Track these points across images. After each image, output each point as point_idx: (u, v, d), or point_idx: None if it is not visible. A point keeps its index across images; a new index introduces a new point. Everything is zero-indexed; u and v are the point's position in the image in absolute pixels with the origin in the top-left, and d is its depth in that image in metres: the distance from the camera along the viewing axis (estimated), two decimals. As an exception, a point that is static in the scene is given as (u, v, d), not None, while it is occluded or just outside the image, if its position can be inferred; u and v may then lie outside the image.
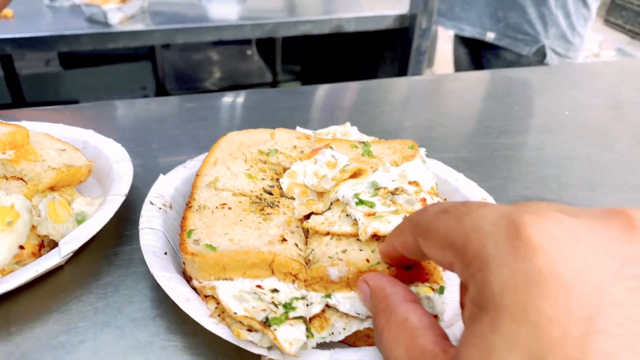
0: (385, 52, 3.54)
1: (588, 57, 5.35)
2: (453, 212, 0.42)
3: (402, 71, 3.33)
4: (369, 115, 1.30)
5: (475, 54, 2.48)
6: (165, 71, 4.23)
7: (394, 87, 1.51)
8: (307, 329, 0.59)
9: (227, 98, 1.37)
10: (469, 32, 2.33)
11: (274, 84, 4.23)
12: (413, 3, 3.04)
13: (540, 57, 2.17)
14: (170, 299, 0.69)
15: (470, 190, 0.84)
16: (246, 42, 4.68)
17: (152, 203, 0.76)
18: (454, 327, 0.62)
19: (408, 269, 0.62)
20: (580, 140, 1.17)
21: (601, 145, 1.16)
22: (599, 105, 1.36)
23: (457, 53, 2.59)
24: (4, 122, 0.87)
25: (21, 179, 0.77)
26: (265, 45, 4.43)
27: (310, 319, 0.62)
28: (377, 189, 0.73)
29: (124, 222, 0.86)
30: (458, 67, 2.73)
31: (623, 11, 6.53)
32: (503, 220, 0.37)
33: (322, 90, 1.44)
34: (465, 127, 1.24)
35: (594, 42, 5.80)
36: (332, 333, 0.62)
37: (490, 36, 2.25)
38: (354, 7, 3.06)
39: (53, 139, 0.90)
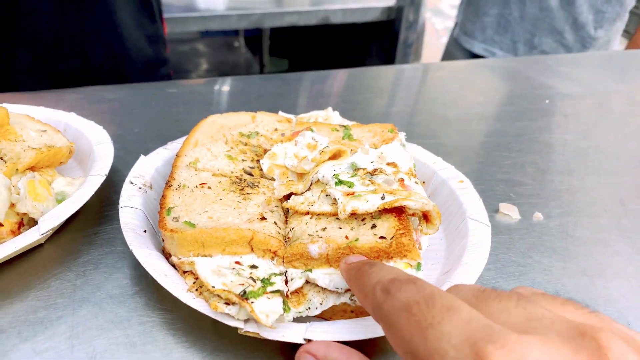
0: (372, 44, 3.55)
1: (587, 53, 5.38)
2: (418, 315, 0.41)
3: (388, 64, 3.34)
4: (352, 102, 1.31)
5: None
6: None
7: (379, 75, 1.52)
8: (284, 302, 0.61)
9: (211, 84, 1.37)
10: (501, 56, 2.18)
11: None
12: (400, -5, 3.05)
13: None
14: (149, 277, 0.70)
15: (447, 173, 0.86)
16: (233, 33, 4.66)
17: (132, 183, 0.77)
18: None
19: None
20: (558, 128, 1.19)
21: (578, 132, 1.18)
22: (579, 94, 1.39)
23: (454, 57, 2.47)
24: (-17, 102, 0.87)
25: (0, 158, 0.77)
26: (253, 38, 4.41)
27: (288, 294, 0.63)
28: (356, 169, 0.74)
29: (105, 203, 0.86)
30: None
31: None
32: (467, 348, 0.35)
33: (307, 77, 1.44)
34: (446, 114, 1.26)
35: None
36: (309, 308, 0.63)
37: (524, 57, 2.13)
38: (340, -1, 3.07)
39: (34, 120, 0.90)
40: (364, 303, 0.50)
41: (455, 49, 2.36)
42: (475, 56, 2.21)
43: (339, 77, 1.48)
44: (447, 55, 2.46)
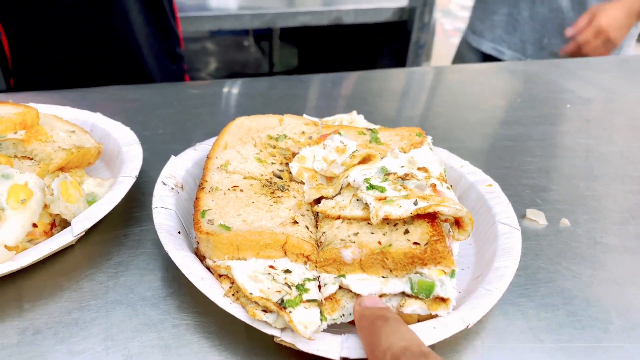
0: (383, 45, 3.55)
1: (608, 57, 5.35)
2: None
3: (400, 64, 3.33)
4: (370, 104, 1.31)
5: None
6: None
7: (395, 78, 1.52)
8: (320, 312, 0.61)
9: (231, 85, 1.38)
10: (509, 56, 2.16)
11: (270, 75, 4.21)
12: (412, -4, 3.05)
13: None
14: (181, 279, 0.71)
15: (475, 176, 0.86)
16: (243, 32, 4.66)
17: (164, 183, 0.77)
18: (462, 308, 0.63)
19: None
20: (580, 133, 1.19)
21: (601, 138, 1.17)
22: (600, 98, 1.38)
23: (465, 58, 2.46)
24: (14, 102, 0.87)
25: (32, 158, 0.77)
26: (263, 37, 4.41)
27: (322, 301, 0.63)
28: (387, 174, 0.74)
29: (133, 204, 0.86)
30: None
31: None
32: None
33: (323, 79, 1.44)
34: (467, 117, 1.25)
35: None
36: (343, 315, 0.64)
37: (544, 61, 2.12)
38: (352, -1, 3.06)
39: (62, 120, 0.91)
40: None
41: (466, 50, 2.35)
42: (485, 56, 2.20)
43: (355, 79, 1.48)
44: (458, 56, 2.44)
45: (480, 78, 1.52)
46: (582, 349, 0.66)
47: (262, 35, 4.46)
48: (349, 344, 0.58)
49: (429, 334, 0.59)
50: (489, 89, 1.43)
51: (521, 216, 0.89)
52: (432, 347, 0.63)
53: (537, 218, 0.88)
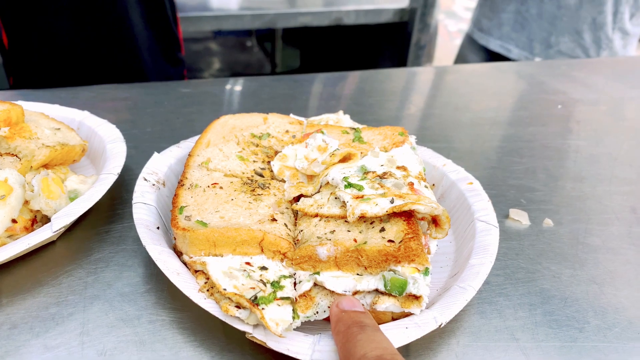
0: (384, 46, 3.55)
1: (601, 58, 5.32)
2: None
3: (400, 66, 3.33)
4: (364, 105, 1.31)
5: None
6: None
7: (390, 78, 1.52)
8: (293, 310, 0.61)
9: (223, 84, 1.38)
10: (516, 54, 2.15)
11: (272, 75, 4.21)
12: (413, -3, 3.05)
13: None
14: (160, 275, 0.71)
15: (457, 175, 0.86)
16: (246, 33, 4.68)
17: (145, 179, 0.77)
18: (435, 307, 0.63)
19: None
20: (570, 134, 1.19)
21: (591, 139, 1.17)
22: (592, 100, 1.38)
23: (466, 58, 2.45)
24: (-1, 100, 0.88)
25: (15, 155, 0.78)
26: (266, 38, 4.42)
27: (296, 298, 0.63)
28: (366, 172, 0.75)
29: (117, 201, 0.87)
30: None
31: None
32: None
33: (319, 79, 1.45)
34: (458, 118, 1.25)
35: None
36: (317, 312, 0.64)
37: (537, 60, 2.08)
38: (354, 0, 3.06)
39: (48, 118, 0.91)
40: None
41: (470, 49, 2.32)
42: (491, 53, 2.19)
43: (350, 79, 1.48)
44: (461, 55, 2.43)
45: (474, 79, 1.52)
46: (557, 348, 0.66)
47: (265, 36, 4.47)
48: (320, 346, 0.58)
49: (401, 334, 0.59)
50: (482, 90, 1.43)
51: (504, 216, 0.89)
52: (406, 346, 0.63)
53: (520, 218, 0.88)
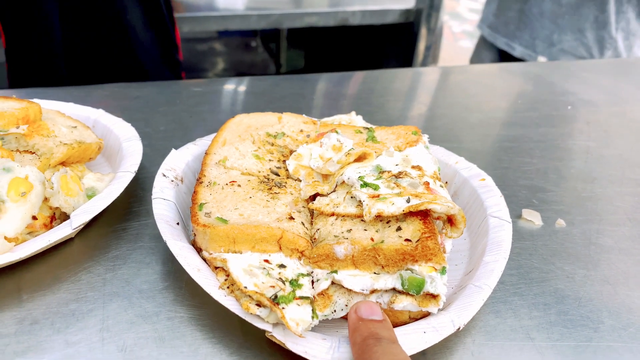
0: (390, 47, 3.56)
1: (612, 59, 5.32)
2: None
3: (406, 66, 3.34)
4: (373, 104, 1.31)
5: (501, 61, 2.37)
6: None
7: (398, 78, 1.52)
8: (313, 310, 0.61)
9: (233, 83, 1.39)
10: (520, 52, 2.17)
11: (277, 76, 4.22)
12: (419, -2, 3.05)
13: None
14: (177, 272, 0.72)
15: (469, 172, 0.87)
16: (251, 33, 4.69)
17: (164, 175, 0.78)
18: (452, 309, 0.63)
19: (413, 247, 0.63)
20: (581, 135, 1.19)
21: (601, 140, 1.17)
22: (602, 101, 1.38)
23: (481, 55, 2.49)
24: (17, 98, 0.89)
25: (34, 152, 0.79)
26: (271, 38, 4.43)
27: (315, 297, 0.64)
28: (381, 172, 0.75)
29: (132, 199, 0.87)
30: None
31: None
32: None
33: (327, 79, 1.45)
34: (468, 118, 1.26)
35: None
36: (335, 310, 0.64)
37: (540, 60, 2.12)
38: (359, 0, 3.07)
39: (64, 116, 0.92)
40: None
41: (484, 46, 2.35)
42: (501, 52, 2.20)
43: (359, 79, 1.48)
44: (476, 53, 2.45)
45: (483, 80, 1.53)
46: (572, 348, 0.66)
47: (270, 36, 4.47)
48: (339, 353, 0.58)
49: (419, 339, 0.60)
50: (491, 90, 1.43)
51: (517, 216, 0.90)
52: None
53: (533, 218, 0.89)
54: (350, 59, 3.92)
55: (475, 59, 2.46)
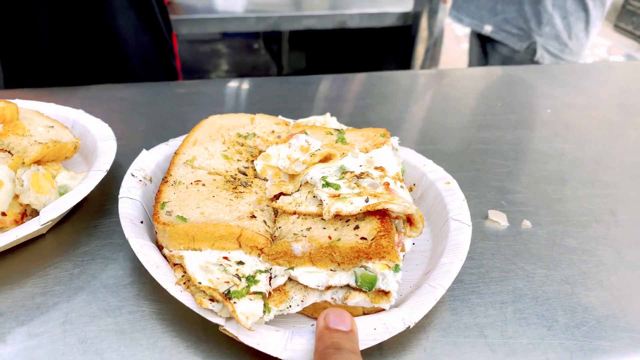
0: (388, 49, 3.57)
1: (596, 62, 5.34)
2: None
3: (405, 69, 3.35)
4: (356, 107, 1.33)
5: (484, 46, 2.53)
6: (172, 61, 4.26)
7: (384, 82, 1.54)
8: (265, 305, 0.63)
9: (218, 85, 1.41)
10: (468, 23, 2.41)
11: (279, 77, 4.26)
12: (417, 1, 3.06)
13: (531, 55, 2.20)
14: (143, 269, 0.74)
15: (435, 175, 0.88)
16: (254, 35, 4.72)
17: (133, 175, 0.80)
18: (404, 307, 0.65)
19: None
20: (557, 137, 1.20)
21: (577, 142, 1.18)
22: (582, 104, 1.39)
23: (470, 44, 2.66)
24: (-5, 98, 0.91)
25: (8, 151, 0.81)
26: (273, 40, 4.46)
27: (270, 292, 0.66)
28: (344, 172, 0.77)
29: (106, 197, 0.90)
30: (471, 58, 2.77)
31: (633, 17, 6.49)
32: None
33: (315, 81, 1.47)
34: (447, 121, 1.27)
35: (603, 47, 5.79)
36: (290, 306, 0.66)
37: (487, 29, 2.32)
38: (358, 4, 3.09)
39: (43, 116, 0.95)
40: None
41: (472, 42, 2.59)
42: (482, 39, 2.43)
43: (347, 82, 1.50)
44: (470, 51, 2.65)
45: (465, 83, 1.54)
46: (524, 345, 0.68)
47: (272, 38, 4.50)
48: (292, 344, 0.60)
49: (369, 335, 0.61)
50: (472, 93, 1.45)
51: (483, 217, 0.91)
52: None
53: (499, 219, 0.90)
54: (351, 61, 3.94)
55: (470, 57, 2.65)
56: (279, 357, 0.59)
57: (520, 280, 0.78)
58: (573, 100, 1.41)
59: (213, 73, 4.37)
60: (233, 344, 0.65)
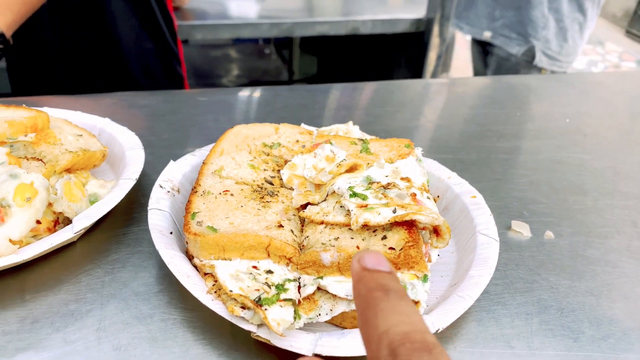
0: (401, 55, 3.58)
1: (608, 68, 5.32)
2: None
3: (417, 75, 3.36)
4: (374, 115, 1.34)
5: (484, 51, 2.58)
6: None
7: (401, 89, 1.55)
8: (295, 311, 0.64)
9: (238, 93, 1.43)
10: (467, 30, 2.48)
11: (290, 83, 4.28)
12: (430, 8, 3.07)
13: (529, 58, 2.24)
14: (173, 277, 0.75)
15: (461, 188, 0.89)
16: (265, 40, 4.74)
17: (161, 186, 0.82)
18: (434, 314, 0.66)
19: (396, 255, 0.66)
20: (576, 147, 1.21)
21: (596, 152, 1.19)
22: (599, 113, 1.40)
23: (472, 50, 2.72)
24: (26, 107, 0.93)
25: (40, 160, 0.83)
26: (284, 45, 4.48)
27: (300, 300, 0.67)
28: (371, 183, 0.78)
29: (134, 205, 0.91)
30: (474, 64, 2.81)
31: (645, 23, 6.46)
32: None
33: (332, 89, 1.48)
34: (466, 129, 1.28)
35: (614, 54, 5.77)
36: (319, 314, 0.67)
37: (486, 35, 2.38)
38: (370, 10, 3.10)
39: (71, 124, 0.96)
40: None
41: (474, 49, 2.63)
42: (482, 45, 2.46)
43: (363, 90, 1.51)
44: (471, 49, 2.71)
45: (483, 92, 1.55)
46: (550, 357, 0.68)
47: (283, 43, 4.52)
48: (322, 341, 0.62)
49: None
50: (490, 102, 1.45)
51: (506, 227, 0.92)
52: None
53: (522, 230, 0.91)
54: (362, 67, 3.95)
55: (474, 64, 2.73)
56: (311, 354, 0.60)
57: (545, 291, 0.79)
58: (589, 109, 1.41)
59: (224, 78, 4.40)
60: (263, 351, 0.66)
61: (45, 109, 0.99)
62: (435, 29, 3.19)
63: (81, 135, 0.93)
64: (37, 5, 1.30)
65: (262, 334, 0.62)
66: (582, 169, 1.12)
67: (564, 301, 0.77)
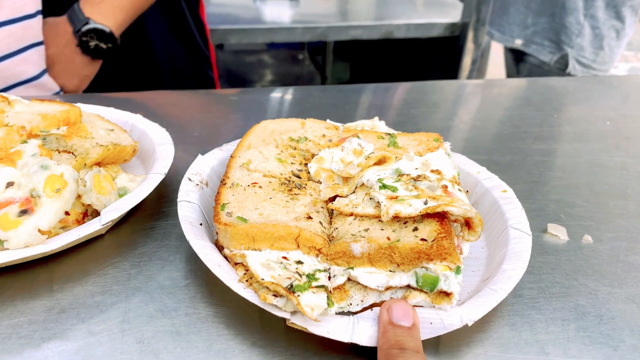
0: (435, 59, 3.54)
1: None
2: None
3: (451, 79, 3.32)
4: (406, 115, 1.32)
5: (517, 59, 2.53)
6: (218, 71, 4.35)
7: (434, 90, 1.52)
8: (328, 297, 0.63)
9: (269, 93, 1.42)
10: (497, 38, 2.44)
11: (321, 88, 4.28)
12: (465, 12, 3.03)
13: (562, 66, 2.17)
14: (199, 271, 0.75)
15: (491, 182, 0.87)
16: (299, 46, 4.76)
17: (190, 179, 0.82)
18: (464, 306, 0.64)
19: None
20: (618, 150, 1.16)
21: (639, 156, 1.14)
22: (642, 117, 1.34)
23: (505, 56, 2.67)
24: (60, 101, 0.94)
25: (71, 152, 0.83)
26: (317, 51, 4.49)
27: (331, 290, 0.66)
28: (400, 175, 0.76)
29: (163, 200, 0.91)
30: (507, 70, 2.77)
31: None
32: None
33: (364, 90, 1.47)
34: (501, 131, 1.25)
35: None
36: (351, 304, 0.67)
37: (517, 42, 2.33)
38: (404, 14, 3.08)
39: (103, 119, 0.97)
40: None
41: (507, 55, 2.59)
42: (512, 50, 2.44)
43: (396, 91, 1.49)
44: (504, 55, 2.68)
45: (519, 93, 1.51)
46: (588, 364, 0.65)
47: (317, 49, 4.53)
48: (359, 328, 0.61)
49: (426, 328, 0.61)
50: (525, 103, 1.41)
51: (542, 230, 0.88)
52: (434, 354, 0.64)
53: (558, 233, 0.87)
54: (395, 72, 3.93)
55: (506, 67, 2.73)
56: (348, 341, 0.59)
57: (583, 297, 0.75)
58: (632, 112, 1.36)
59: (257, 83, 4.43)
60: (289, 344, 0.65)
61: (78, 104, 1.00)
62: (470, 34, 3.15)
63: (112, 130, 0.94)
64: (146, 6, 1.32)
65: (297, 321, 0.61)
66: (624, 173, 1.07)
67: (603, 308, 0.73)
